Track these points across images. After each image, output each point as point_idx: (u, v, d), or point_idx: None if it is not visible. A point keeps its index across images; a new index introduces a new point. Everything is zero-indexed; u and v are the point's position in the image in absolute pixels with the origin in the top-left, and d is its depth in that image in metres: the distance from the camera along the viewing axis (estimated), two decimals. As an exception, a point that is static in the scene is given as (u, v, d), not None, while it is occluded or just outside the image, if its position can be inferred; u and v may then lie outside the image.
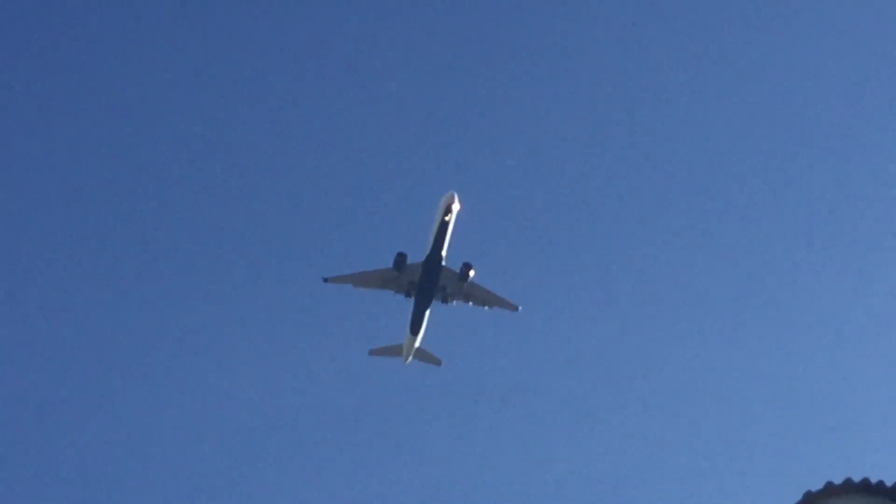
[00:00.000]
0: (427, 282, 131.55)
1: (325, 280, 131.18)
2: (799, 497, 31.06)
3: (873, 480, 30.56)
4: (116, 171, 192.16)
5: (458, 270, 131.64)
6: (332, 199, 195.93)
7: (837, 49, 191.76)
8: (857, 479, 30.79)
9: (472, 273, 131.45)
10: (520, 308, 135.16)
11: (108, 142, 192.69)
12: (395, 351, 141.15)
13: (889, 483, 30.29)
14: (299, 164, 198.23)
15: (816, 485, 30.90)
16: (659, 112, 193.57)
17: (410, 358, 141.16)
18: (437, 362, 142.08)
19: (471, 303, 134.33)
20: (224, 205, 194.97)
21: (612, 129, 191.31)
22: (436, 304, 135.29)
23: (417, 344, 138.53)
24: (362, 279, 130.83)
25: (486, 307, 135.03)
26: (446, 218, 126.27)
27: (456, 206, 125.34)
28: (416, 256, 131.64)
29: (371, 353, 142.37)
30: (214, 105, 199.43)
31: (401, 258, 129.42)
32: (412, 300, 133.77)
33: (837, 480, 30.71)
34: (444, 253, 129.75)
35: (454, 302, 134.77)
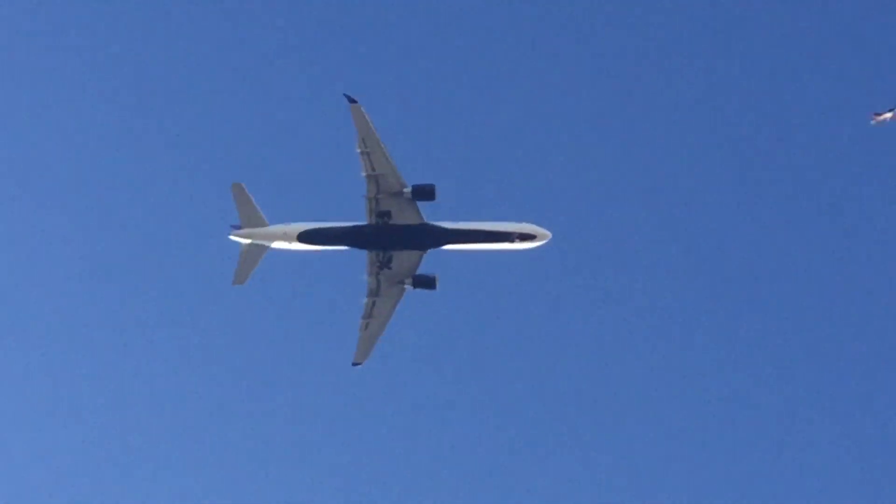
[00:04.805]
0: (398, 236, 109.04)
1: None
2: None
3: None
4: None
5: (420, 273, 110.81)
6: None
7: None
8: None
9: (426, 286, 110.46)
10: (357, 364, 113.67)
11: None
12: (261, 236, 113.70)
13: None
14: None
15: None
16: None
17: (265, 243, 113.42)
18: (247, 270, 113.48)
19: (375, 300, 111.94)
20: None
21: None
22: (361, 254, 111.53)
23: (294, 244, 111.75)
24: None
25: (364, 323, 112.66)
26: (516, 240, 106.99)
27: (536, 243, 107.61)
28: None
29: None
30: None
31: (428, 188, 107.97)
32: (369, 229, 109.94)
33: None
34: (450, 248, 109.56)
35: (373, 277, 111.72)
